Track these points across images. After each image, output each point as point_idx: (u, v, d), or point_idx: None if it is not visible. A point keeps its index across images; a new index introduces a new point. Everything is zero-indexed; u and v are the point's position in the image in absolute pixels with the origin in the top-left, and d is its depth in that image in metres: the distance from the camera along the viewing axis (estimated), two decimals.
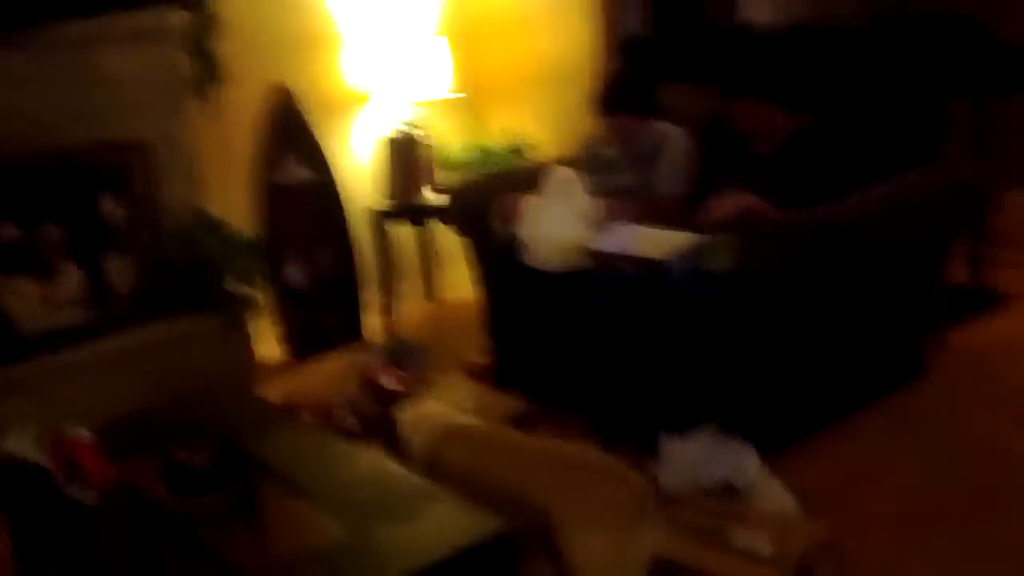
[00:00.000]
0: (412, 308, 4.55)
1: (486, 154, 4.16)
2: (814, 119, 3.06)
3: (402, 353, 3.79)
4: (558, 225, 2.98)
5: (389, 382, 3.40)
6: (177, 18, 3.79)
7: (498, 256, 3.20)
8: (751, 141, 3.06)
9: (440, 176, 4.31)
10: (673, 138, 3.28)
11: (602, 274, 2.81)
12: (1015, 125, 4.05)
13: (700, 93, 3.58)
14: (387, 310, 4.24)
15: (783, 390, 2.68)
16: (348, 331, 4.13)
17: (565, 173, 3.19)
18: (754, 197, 2.79)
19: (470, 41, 4.63)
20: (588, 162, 3.46)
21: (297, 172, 4.03)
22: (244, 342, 3.89)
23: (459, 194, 3.66)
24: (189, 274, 3.87)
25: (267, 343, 4.05)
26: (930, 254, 2.82)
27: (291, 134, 3.99)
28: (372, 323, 4.23)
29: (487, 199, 3.55)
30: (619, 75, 3.43)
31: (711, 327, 2.64)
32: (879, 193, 2.62)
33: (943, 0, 4.18)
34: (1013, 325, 3.57)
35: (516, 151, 4.21)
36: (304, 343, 4.05)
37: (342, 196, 4.08)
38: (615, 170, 3.35)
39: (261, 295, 3.97)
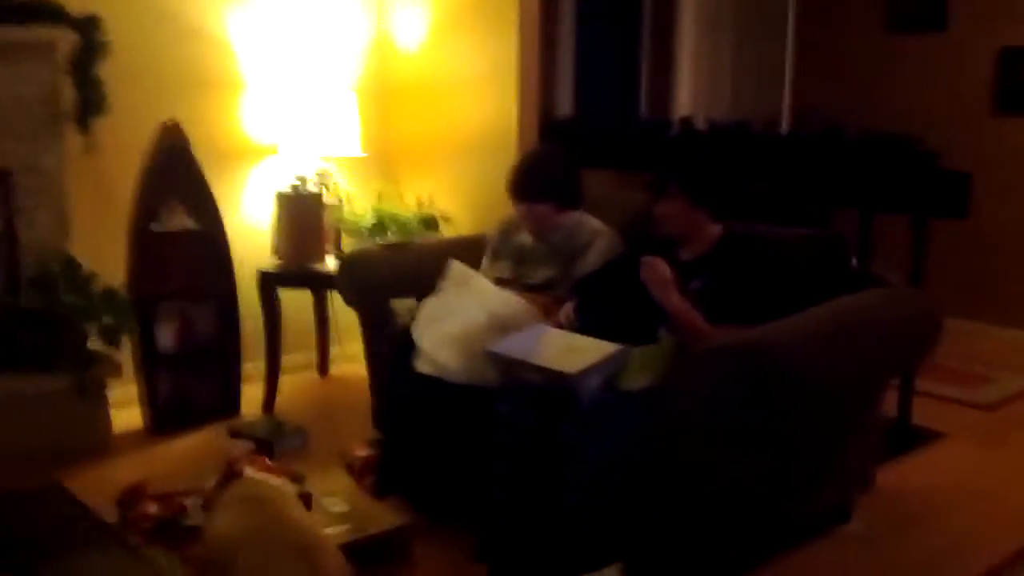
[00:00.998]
0: (300, 383, 4.14)
1: (394, 222, 3.80)
2: (745, 227, 2.79)
3: (278, 436, 3.38)
4: (456, 328, 2.63)
5: (252, 471, 2.97)
6: (62, 38, 3.42)
7: (392, 346, 2.83)
8: (678, 245, 2.77)
9: (346, 242, 3.95)
10: (603, 237, 2.98)
11: (507, 382, 2.47)
12: (946, 250, 3.91)
13: (627, 187, 3.33)
14: (270, 384, 3.81)
15: (699, 530, 2.35)
16: (222, 404, 3.69)
17: (463, 270, 2.86)
18: (683, 300, 2.51)
19: (387, 99, 4.33)
20: (504, 249, 3.14)
21: (182, 221, 3.61)
22: (100, 409, 3.44)
23: (351, 263, 3.30)
24: (44, 326, 3.42)
25: (128, 411, 3.61)
26: (873, 389, 2.56)
27: (179, 178, 3.58)
28: (251, 397, 3.80)
29: (380, 271, 3.21)
30: (542, 159, 3.12)
31: (622, 453, 2.31)
32: (828, 317, 2.34)
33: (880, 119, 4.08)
34: (943, 467, 3.34)
35: (427, 222, 3.87)
36: (170, 414, 3.59)
37: (230, 253, 3.67)
38: (532, 262, 3.04)
39: (126, 356, 3.56)
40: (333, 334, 4.27)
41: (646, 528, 2.37)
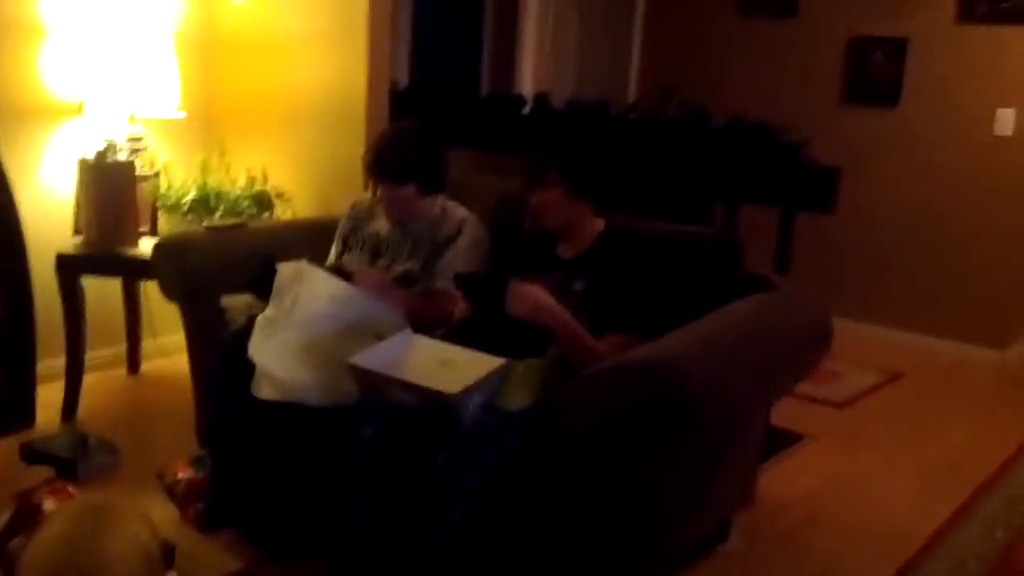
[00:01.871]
0: (106, 383, 3.59)
1: (221, 199, 3.33)
2: (628, 223, 2.54)
3: (82, 454, 2.85)
4: (301, 339, 2.22)
5: (53, 504, 2.48)
6: None
7: (223, 356, 2.40)
8: (556, 240, 2.48)
9: (162, 221, 3.44)
10: (470, 227, 2.65)
11: (369, 400, 2.11)
12: (816, 247, 3.82)
13: (482, 169, 3.01)
14: (71, 388, 3.26)
15: (574, 565, 2.09)
16: (12, 414, 3.10)
17: (292, 268, 2.39)
18: (557, 304, 2.22)
19: (212, 52, 3.80)
20: (356, 239, 2.75)
21: None
22: None
23: (171, 249, 2.81)
24: None
25: None
26: (767, 404, 2.38)
27: None
28: (48, 401, 3.23)
29: (206, 260, 2.76)
30: (406, 134, 2.71)
31: (500, 483, 2.01)
32: (725, 330, 2.10)
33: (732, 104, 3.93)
34: (811, 471, 3.24)
35: (260, 201, 3.41)
36: None
37: (22, 231, 3.08)
38: (390, 253, 2.67)
39: None
40: (146, 325, 3.73)
41: (520, 564, 2.08)
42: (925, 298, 4.68)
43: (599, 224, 2.47)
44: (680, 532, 2.36)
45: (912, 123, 4.66)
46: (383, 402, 2.09)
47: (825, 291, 3.86)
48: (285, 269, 2.35)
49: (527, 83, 5.48)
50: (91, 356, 3.45)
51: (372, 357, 2.09)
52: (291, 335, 2.20)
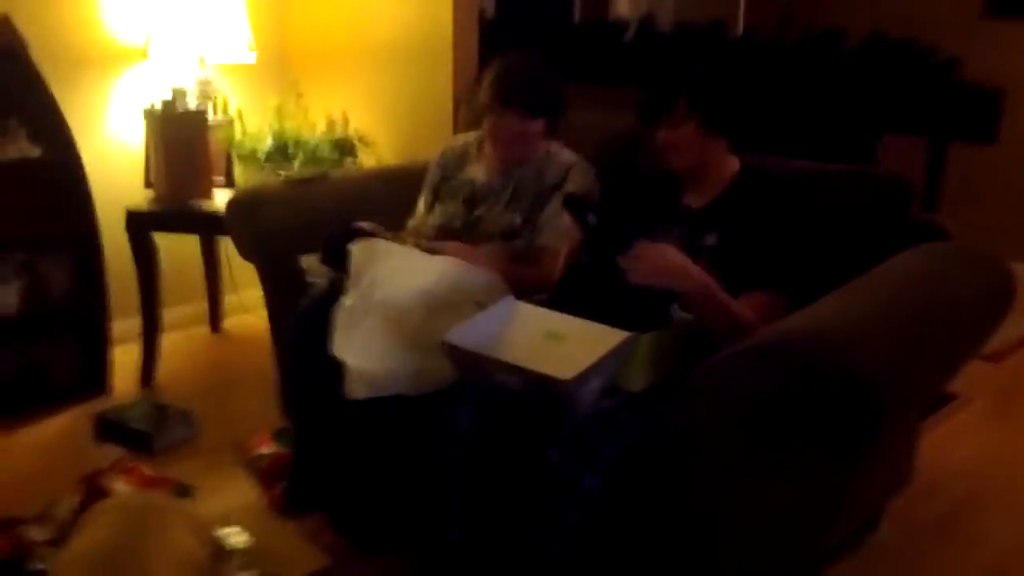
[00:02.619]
0: (186, 343, 3.39)
1: (300, 147, 3.03)
2: (768, 162, 2.16)
3: (159, 426, 2.65)
4: (386, 326, 1.90)
5: (124, 488, 2.27)
6: None
7: (302, 324, 2.12)
8: (683, 187, 2.11)
9: (238, 171, 3.17)
10: (579, 171, 2.29)
11: (468, 384, 1.80)
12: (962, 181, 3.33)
13: (587, 104, 2.62)
14: (147, 351, 3.05)
15: (714, 570, 1.76)
16: (84, 381, 2.92)
17: (365, 249, 2.06)
18: (695, 267, 1.85)
19: None
20: (449, 188, 2.42)
21: (21, 147, 2.78)
22: None
23: (247, 204, 2.54)
24: None
25: None
26: (943, 383, 1.99)
27: (14, 91, 2.75)
28: (124, 365, 3.04)
29: (285, 217, 2.48)
30: (535, 64, 2.28)
31: (624, 480, 1.69)
32: (895, 296, 1.72)
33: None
34: (965, 441, 2.84)
35: (343, 148, 3.10)
36: (14, 397, 2.81)
37: (89, 187, 2.86)
38: (489, 204, 2.33)
39: None
40: (227, 279, 3.51)
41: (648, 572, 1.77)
42: None
43: (734, 165, 2.09)
44: (832, 527, 2.01)
45: None
46: (483, 384, 1.78)
47: (976, 229, 3.40)
48: (358, 251, 2.03)
49: (622, 7, 5.04)
50: (170, 313, 3.26)
51: (469, 333, 1.77)
52: (376, 320, 1.89)
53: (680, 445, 1.67)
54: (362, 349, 1.86)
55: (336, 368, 1.92)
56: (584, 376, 1.64)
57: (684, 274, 1.81)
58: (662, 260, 1.79)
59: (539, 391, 1.69)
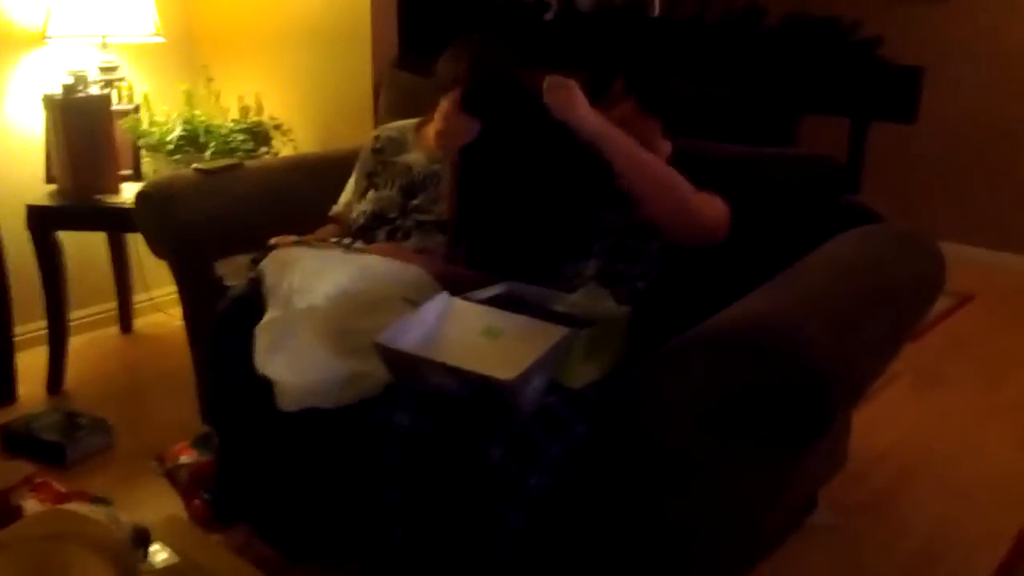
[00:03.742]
0: (95, 346, 3.22)
1: (212, 135, 2.89)
2: (698, 145, 2.12)
3: (71, 436, 2.50)
4: (316, 332, 1.78)
5: (35, 506, 2.13)
6: None
7: (221, 331, 2.00)
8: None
9: (146, 162, 3.01)
10: None
11: (403, 384, 1.72)
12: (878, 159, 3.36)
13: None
14: (54, 356, 2.88)
15: (662, 565, 1.73)
16: None
17: (280, 256, 1.96)
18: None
19: None
20: (385, 173, 2.31)
21: None
22: None
23: (156, 198, 2.38)
24: None
25: None
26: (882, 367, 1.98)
27: None
28: (29, 371, 2.87)
29: (198, 210, 2.35)
30: (492, 50, 2.22)
31: (568, 476, 1.64)
32: (836, 275, 1.69)
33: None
34: (885, 415, 2.88)
35: (255, 134, 2.97)
36: None
37: None
38: (428, 191, 2.23)
39: None
40: (137, 277, 3.35)
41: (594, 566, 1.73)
42: (996, 211, 4.25)
43: (667, 148, 2.05)
44: (773, 512, 2.00)
45: (975, 18, 4.16)
46: (420, 387, 1.70)
47: (896, 209, 3.45)
48: (268, 264, 1.92)
49: None
50: (78, 315, 3.10)
51: (402, 333, 1.69)
52: (300, 330, 1.79)
53: (626, 441, 1.62)
54: (288, 361, 1.75)
55: (255, 374, 1.82)
56: (526, 375, 1.57)
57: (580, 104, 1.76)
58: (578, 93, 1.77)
59: (480, 392, 1.62)
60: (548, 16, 3.82)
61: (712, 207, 1.85)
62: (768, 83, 2.99)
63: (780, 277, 1.72)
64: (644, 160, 1.80)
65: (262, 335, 1.79)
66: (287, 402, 1.76)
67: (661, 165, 1.82)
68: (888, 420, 2.84)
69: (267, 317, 1.83)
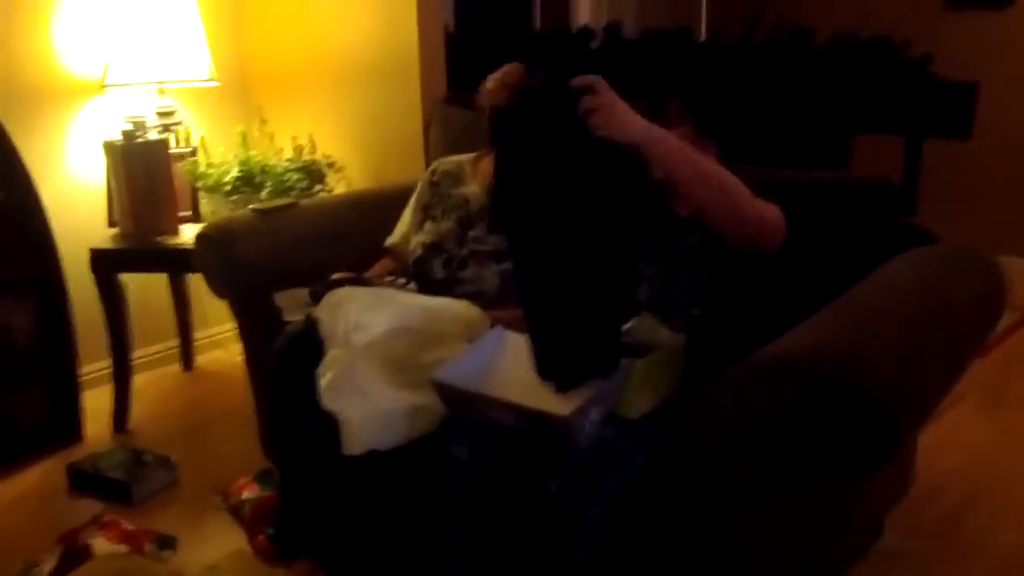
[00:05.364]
0: (159, 384, 3.29)
1: (268, 174, 2.95)
2: (752, 171, 2.10)
3: (137, 474, 2.55)
4: (376, 376, 1.79)
5: (104, 544, 2.17)
6: None
7: (281, 365, 2.04)
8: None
9: (204, 203, 3.08)
10: None
11: (459, 420, 1.73)
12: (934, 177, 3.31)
13: None
14: (119, 395, 2.95)
15: None
16: (55, 428, 2.82)
17: (332, 299, 1.95)
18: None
19: (243, 7, 3.40)
20: (442, 205, 2.33)
21: None
22: None
23: (215, 239, 2.43)
24: None
25: None
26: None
27: None
28: (96, 410, 2.94)
29: (257, 250, 2.39)
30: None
31: (629, 508, 1.63)
32: (896, 301, 1.67)
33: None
34: (953, 435, 2.81)
35: (311, 172, 3.03)
36: None
37: (49, 227, 2.76)
38: (484, 222, 2.22)
39: None
40: (198, 315, 3.42)
41: None
42: None
43: None
44: (842, 540, 1.96)
45: None
46: (477, 421, 1.71)
47: (954, 226, 3.39)
48: (323, 310, 1.93)
49: (582, 15, 5.00)
50: (140, 354, 3.18)
51: (458, 369, 1.70)
52: (361, 365, 1.81)
53: (686, 471, 1.61)
54: (355, 403, 1.77)
55: (322, 414, 1.84)
56: (583, 409, 1.58)
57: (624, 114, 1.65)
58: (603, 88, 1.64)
59: (537, 426, 1.63)
60: (594, 44, 3.84)
61: (770, 209, 1.82)
62: (820, 105, 2.96)
63: (837, 302, 1.70)
64: (697, 159, 1.74)
65: (325, 374, 1.82)
66: (353, 446, 1.77)
67: (716, 165, 1.79)
68: (955, 440, 2.78)
69: (329, 356, 1.85)
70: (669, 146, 1.71)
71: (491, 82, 2.30)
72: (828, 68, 2.96)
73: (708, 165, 1.76)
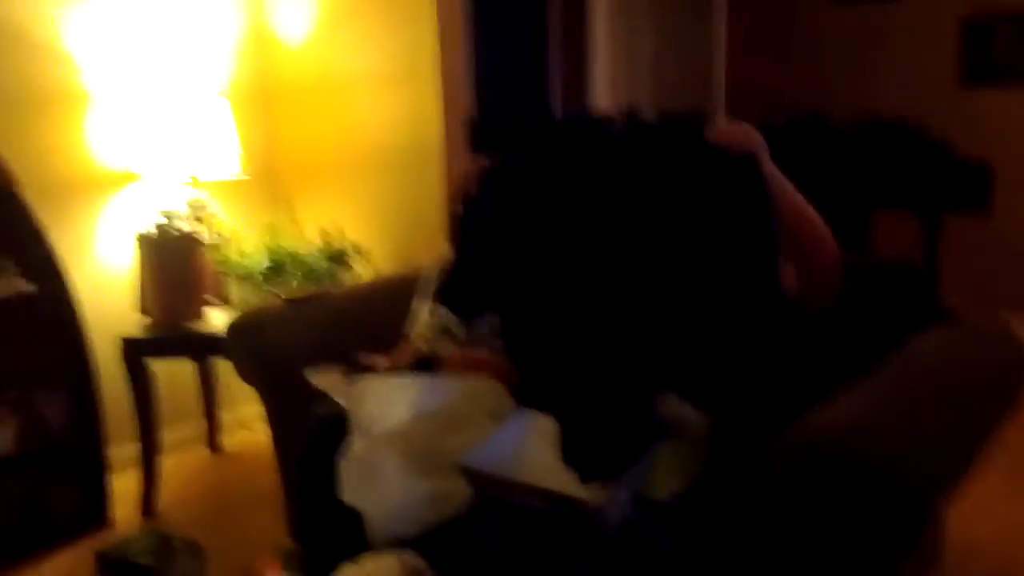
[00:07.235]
0: (186, 466, 3.31)
1: (296, 263, 3.01)
2: None
3: (166, 560, 2.54)
4: (401, 465, 1.80)
5: None
6: None
7: (312, 451, 2.06)
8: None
9: (233, 291, 3.14)
10: None
11: (487, 504, 1.75)
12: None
13: None
14: (147, 480, 2.97)
15: None
16: (84, 513, 2.84)
17: (355, 393, 2.01)
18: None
19: (270, 105, 3.52)
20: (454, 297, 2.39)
21: (11, 283, 2.74)
22: None
23: (248, 329, 2.48)
24: None
25: None
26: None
27: (4, 227, 2.73)
28: (123, 494, 2.96)
29: (287, 341, 2.43)
30: None
31: None
32: (925, 385, 1.67)
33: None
34: (991, 506, 2.78)
35: (338, 258, 3.08)
36: (14, 536, 2.72)
37: (80, 318, 2.82)
38: None
39: None
40: (224, 397, 3.45)
41: None
42: None
43: None
44: None
45: None
46: (504, 505, 1.72)
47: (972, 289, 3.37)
48: (349, 401, 1.98)
49: (600, 99, 5.11)
50: (167, 435, 3.19)
51: (484, 453, 1.72)
52: (383, 456, 1.83)
53: (715, 554, 1.61)
54: (379, 496, 1.79)
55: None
56: (611, 493, 1.59)
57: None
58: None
59: (564, 510, 1.64)
60: (616, 128, 3.92)
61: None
62: (841, 188, 3.01)
63: (861, 384, 1.71)
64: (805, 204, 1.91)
65: (348, 467, 1.84)
66: (377, 539, 1.78)
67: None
68: (984, 511, 2.73)
69: (351, 448, 1.88)
70: (786, 185, 1.96)
71: (459, 182, 2.39)
72: (847, 149, 3.01)
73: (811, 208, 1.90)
